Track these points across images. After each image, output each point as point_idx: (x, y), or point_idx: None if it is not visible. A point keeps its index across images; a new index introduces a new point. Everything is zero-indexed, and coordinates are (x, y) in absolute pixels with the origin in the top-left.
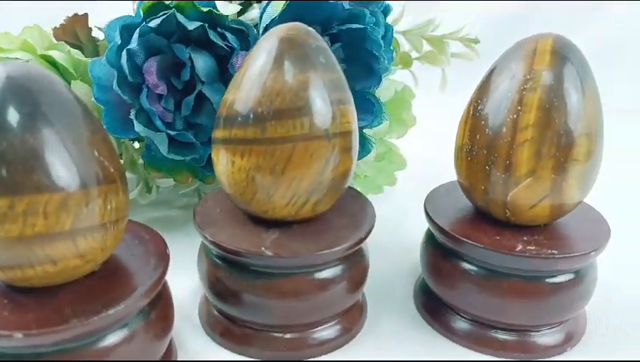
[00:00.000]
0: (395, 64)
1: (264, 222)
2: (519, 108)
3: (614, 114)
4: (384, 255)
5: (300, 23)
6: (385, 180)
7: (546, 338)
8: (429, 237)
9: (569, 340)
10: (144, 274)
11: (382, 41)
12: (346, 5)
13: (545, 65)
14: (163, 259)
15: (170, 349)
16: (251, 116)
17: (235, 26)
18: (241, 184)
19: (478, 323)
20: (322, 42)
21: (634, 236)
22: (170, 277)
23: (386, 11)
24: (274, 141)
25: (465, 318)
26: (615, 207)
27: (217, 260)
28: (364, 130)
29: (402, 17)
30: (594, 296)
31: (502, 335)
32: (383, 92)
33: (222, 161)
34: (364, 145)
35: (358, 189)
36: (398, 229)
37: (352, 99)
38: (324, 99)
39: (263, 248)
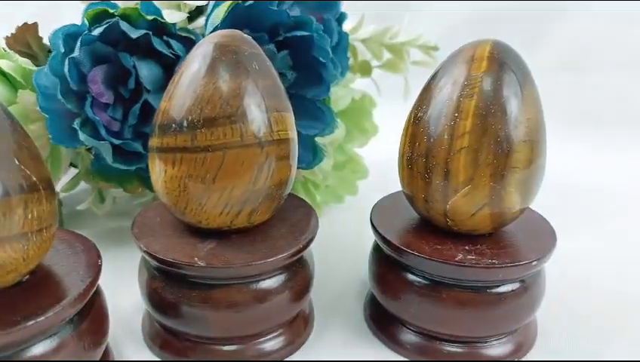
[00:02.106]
0: (354, 72)
1: (203, 233)
2: (456, 115)
3: (580, 121)
4: (340, 265)
5: (236, 30)
6: (346, 190)
7: (494, 349)
8: (376, 248)
9: (518, 351)
10: (72, 284)
11: (329, 49)
12: (293, 13)
13: (482, 72)
14: (93, 269)
15: (106, 360)
16: (182, 124)
17: (182, 34)
18: (174, 193)
19: (425, 335)
20: (257, 49)
21: (588, 246)
22: (118, 290)
23: (341, 19)
24: (204, 149)
25: (412, 330)
26: (571, 216)
27: (155, 271)
28: (317, 139)
29: (362, 25)
30: (546, 306)
31: (449, 348)
32: (340, 100)
33: (156, 169)
34: (317, 153)
35: (319, 199)
36: (356, 239)
37: (290, 107)
38: (257, 107)
39: (196, 258)
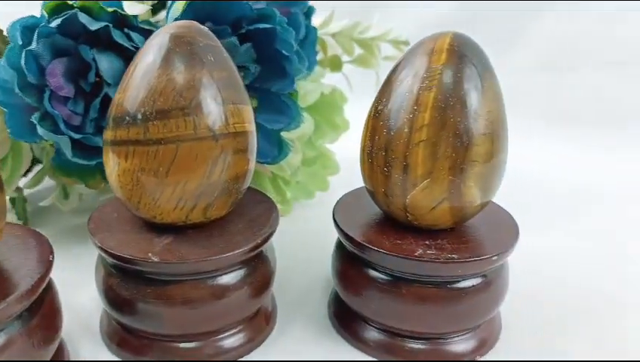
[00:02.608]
0: (324, 67)
1: (159, 228)
2: (415, 107)
3: (557, 119)
4: (308, 262)
5: (192, 22)
6: (317, 185)
7: (457, 346)
8: (339, 245)
9: (482, 347)
10: (21, 280)
11: (293, 42)
12: (259, 5)
13: (441, 64)
14: (44, 265)
15: (60, 357)
16: (135, 116)
17: (144, 27)
18: (127, 187)
19: (387, 332)
20: (214, 41)
21: (559, 243)
22: (79, 287)
23: (309, 13)
24: (156, 142)
25: (375, 327)
26: (545, 212)
27: (111, 268)
28: (285, 134)
29: (332, 20)
30: (511, 301)
31: (412, 344)
32: (309, 95)
33: (109, 163)
34: (282, 148)
35: (289, 195)
36: (325, 235)
37: (249, 100)
38: (212, 99)
39: (150, 254)
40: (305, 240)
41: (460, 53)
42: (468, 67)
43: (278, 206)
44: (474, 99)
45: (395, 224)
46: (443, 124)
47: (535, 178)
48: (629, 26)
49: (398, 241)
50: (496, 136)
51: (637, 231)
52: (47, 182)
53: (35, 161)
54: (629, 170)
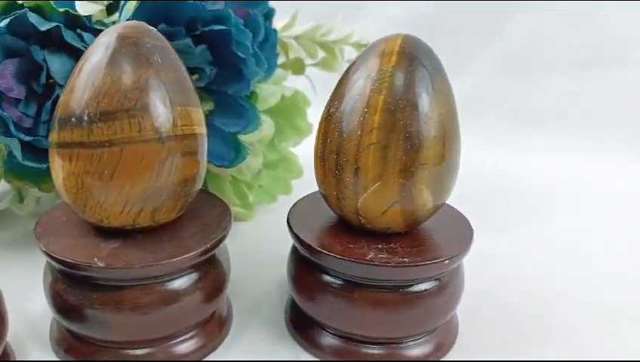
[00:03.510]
0: (286, 69)
1: (107, 233)
2: (366, 110)
3: (525, 121)
4: (267, 267)
5: (140, 22)
6: (280, 189)
7: (412, 350)
8: (293, 249)
9: (438, 351)
10: None
11: (250, 44)
12: (217, 7)
13: (391, 66)
14: None
15: None
16: (79, 118)
17: (98, 27)
18: (72, 190)
19: (343, 337)
20: (162, 41)
21: (515, 243)
22: (31, 294)
23: (269, 15)
24: (101, 144)
25: (330, 333)
26: (507, 215)
27: (58, 273)
28: (244, 137)
29: (295, 23)
30: (468, 303)
31: (368, 350)
32: (269, 97)
33: (55, 166)
34: (239, 151)
35: (251, 199)
36: (286, 240)
37: (199, 102)
38: (158, 101)
39: (95, 259)
40: (266, 245)
41: (411, 56)
42: (419, 69)
43: (241, 210)
44: (424, 101)
45: (349, 228)
46: (393, 126)
47: (499, 180)
48: (597, 28)
49: (351, 245)
50: (447, 138)
51: (593, 232)
52: (4, 185)
53: None
54: (592, 172)
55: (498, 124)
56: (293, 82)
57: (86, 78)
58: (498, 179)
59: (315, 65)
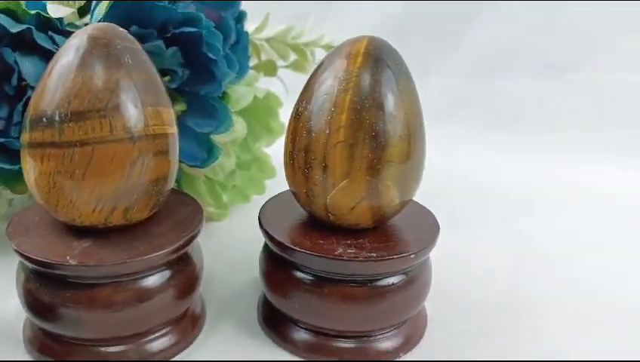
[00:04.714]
0: (258, 71)
1: (80, 232)
2: (333, 109)
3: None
4: (239, 265)
5: (111, 24)
6: (254, 189)
7: (382, 343)
8: (265, 247)
9: (407, 343)
10: None
11: (220, 46)
12: (189, 9)
13: (357, 67)
14: None
15: None
16: (50, 118)
17: (70, 30)
18: (44, 190)
19: (315, 332)
20: (132, 43)
21: (482, 241)
22: (2, 295)
23: (240, 17)
24: (72, 144)
25: (302, 328)
26: (474, 214)
27: (29, 272)
28: (217, 137)
29: (266, 25)
30: (436, 298)
31: (339, 344)
32: (242, 98)
33: (27, 166)
34: (212, 151)
35: (225, 199)
36: (260, 239)
37: (169, 102)
38: (129, 101)
39: (68, 257)
40: (239, 244)
41: (376, 57)
42: (383, 70)
43: (215, 210)
44: (390, 101)
45: (319, 225)
46: (359, 125)
47: (469, 180)
48: (566, 32)
49: (320, 241)
50: (412, 137)
51: (557, 232)
52: None
53: None
54: (560, 174)
55: (463, 125)
56: (265, 83)
57: (57, 79)
58: (464, 178)
59: (286, 66)
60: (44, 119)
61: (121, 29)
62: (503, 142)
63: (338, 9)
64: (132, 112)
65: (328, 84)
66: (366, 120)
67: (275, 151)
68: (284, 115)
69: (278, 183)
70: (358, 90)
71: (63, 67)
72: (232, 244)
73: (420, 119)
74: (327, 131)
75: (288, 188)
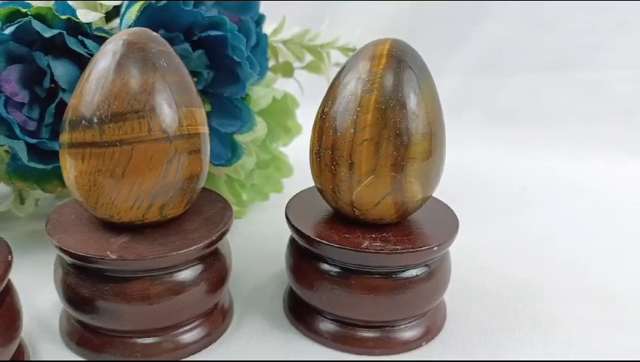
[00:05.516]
0: (275, 72)
1: (116, 227)
2: (358, 109)
3: (496, 119)
4: (263, 260)
5: (144, 28)
6: (272, 188)
7: (405, 333)
8: (291, 241)
9: (428, 333)
10: None
11: (244, 48)
12: (211, 13)
13: (381, 68)
14: (3, 265)
15: (20, 358)
16: (91, 119)
17: (98, 34)
18: (85, 188)
19: (340, 322)
20: (166, 47)
21: (492, 235)
22: (37, 291)
23: (259, 20)
24: (112, 144)
25: (327, 318)
26: (483, 208)
27: (69, 267)
28: (238, 137)
29: (283, 28)
30: (458, 290)
31: (363, 333)
32: (261, 99)
33: (66, 165)
34: (235, 150)
35: (245, 197)
36: (280, 235)
37: (201, 103)
38: (165, 102)
39: (108, 252)
40: (260, 240)
41: (399, 58)
42: (406, 71)
43: (235, 208)
44: (412, 100)
45: (343, 220)
46: (384, 124)
47: (473, 175)
48: (568, 30)
49: (347, 235)
50: (433, 135)
51: (566, 225)
52: (3, 188)
53: None
54: (562, 168)
55: (470, 122)
56: (280, 84)
57: (96, 83)
58: (468, 173)
59: (302, 68)
60: (84, 121)
61: (154, 33)
62: (505, 138)
63: (342, 12)
64: (168, 113)
65: (352, 85)
66: (390, 119)
67: (291, 150)
68: (300, 115)
69: (294, 182)
70: (382, 91)
71: (101, 71)
72: (252, 241)
73: (440, 118)
74: (353, 130)
75: (305, 186)
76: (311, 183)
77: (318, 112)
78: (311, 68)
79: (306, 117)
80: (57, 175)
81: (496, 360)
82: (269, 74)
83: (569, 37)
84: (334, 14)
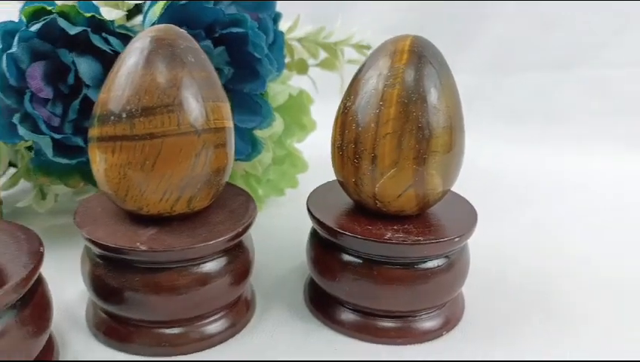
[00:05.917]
0: (291, 70)
1: (144, 220)
2: (381, 103)
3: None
4: (281, 254)
5: (172, 25)
6: (287, 183)
7: (425, 323)
8: (313, 233)
9: (447, 323)
10: (14, 271)
11: (265, 45)
12: (230, 11)
13: (403, 64)
14: (35, 256)
15: (50, 348)
16: (120, 114)
17: (121, 32)
18: (114, 181)
19: (361, 312)
20: (193, 43)
21: (516, 225)
22: (61, 283)
23: (276, 18)
24: (142, 137)
25: (349, 309)
26: (498, 203)
27: (98, 259)
28: (257, 132)
29: (297, 25)
30: (475, 282)
31: (384, 323)
32: (278, 96)
33: (96, 159)
34: (255, 145)
35: (260, 192)
36: (297, 229)
37: (226, 98)
38: (193, 97)
39: (138, 243)
40: (278, 235)
41: (420, 54)
42: (427, 66)
43: None
44: (433, 95)
45: (365, 212)
46: (406, 118)
47: (487, 171)
48: (572, 31)
49: (369, 227)
50: (454, 128)
51: (577, 219)
52: (21, 184)
53: (9, 165)
54: (570, 163)
55: (478, 120)
56: (295, 81)
57: (125, 78)
58: (484, 170)
59: (317, 65)
60: (113, 116)
61: (181, 29)
62: (514, 135)
63: (354, 9)
64: (195, 107)
65: (373, 80)
66: (412, 113)
67: (305, 147)
68: (314, 112)
69: (309, 177)
70: (404, 85)
71: (130, 67)
72: (269, 235)
73: (460, 112)
74: (376, 124)
75: (321, 181)
76: (325, 178)
77: (339, 107)
78: (325, 65)
79: (319, 113)
80: (80, 170)
81: (510, 360)
82: (284, 71)
83: (576, 35)
84: (344, 14)
